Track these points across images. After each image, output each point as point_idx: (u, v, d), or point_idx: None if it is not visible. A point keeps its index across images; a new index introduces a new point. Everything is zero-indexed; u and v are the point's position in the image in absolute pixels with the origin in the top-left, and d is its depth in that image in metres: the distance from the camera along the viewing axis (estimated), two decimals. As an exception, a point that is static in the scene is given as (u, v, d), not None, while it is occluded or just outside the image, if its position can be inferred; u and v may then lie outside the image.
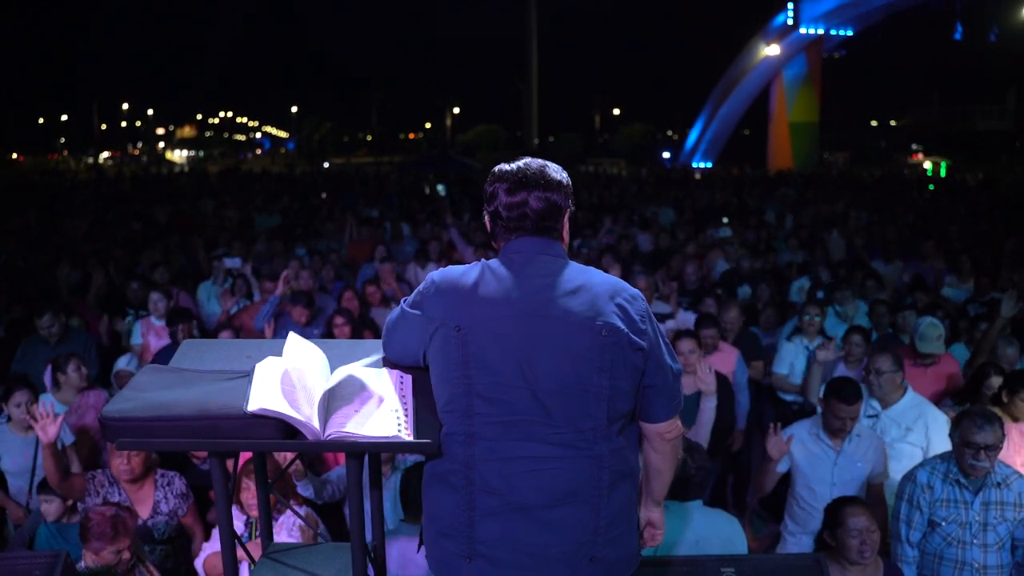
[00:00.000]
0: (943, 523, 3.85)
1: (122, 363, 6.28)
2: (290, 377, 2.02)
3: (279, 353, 2.18)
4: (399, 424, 2.01)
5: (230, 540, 2.09)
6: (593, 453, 2.15)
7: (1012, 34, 40.52)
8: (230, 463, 3.21)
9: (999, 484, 3.85)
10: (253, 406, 1.90)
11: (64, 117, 78.05)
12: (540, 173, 2.27)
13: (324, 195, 20.72)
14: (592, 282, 2.22)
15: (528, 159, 2.32)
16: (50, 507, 4.59)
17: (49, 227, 13.55)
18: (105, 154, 73.92)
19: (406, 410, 2.09)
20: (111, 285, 8.76)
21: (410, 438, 2.00)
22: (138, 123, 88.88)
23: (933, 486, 3.89)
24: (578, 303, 2.17)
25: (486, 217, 2.35)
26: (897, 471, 4.49)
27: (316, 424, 1.95)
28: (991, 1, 42.00)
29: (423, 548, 2.26)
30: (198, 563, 4.01)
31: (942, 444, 4.59)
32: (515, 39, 55.25)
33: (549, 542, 2.12)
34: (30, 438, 5.13)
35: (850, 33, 44.45)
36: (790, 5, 41.18)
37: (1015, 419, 4.72)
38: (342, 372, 2.16)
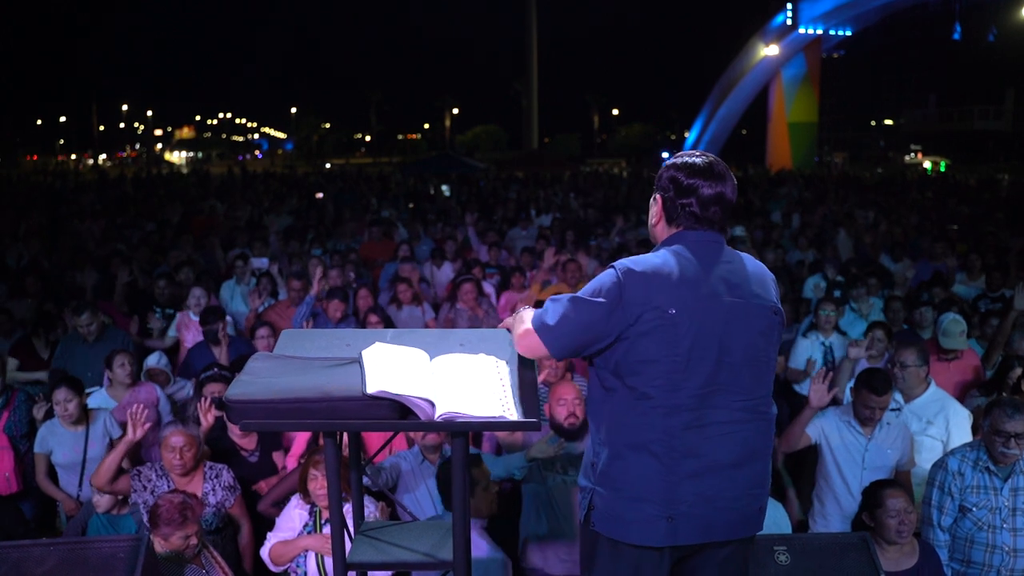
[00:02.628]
0: (973, 508, 4.01)
1: (152, 361, 6.41)
2: (399, 362, 2.18)
3: (372, 342, 2.34)
4: (503, 405, 2.16)
5: (339, 518, 2.24)
6: (768, 416, 2.51)
7: (1010, 35, 40.76)
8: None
9: (1027, 471, 4.01)
10: (372, 388, 2.06)
11: (63, 119, 78.05)
12: (727, 171, 2.55)
13: (320, 195, 20.63)
14: (758, 268, 2.58)
15: (701, 154, 2.56)
16: (102, 499, 4.70)
17: (61, 228, 13.66)
18: (103, 156, 73.88)
19: (507, 393, 2.24)
20: (135, 284, 8.90)
21: (515, 417, 2.15)
22: (136, 124, 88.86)
23: (963, 473, 4.04)
24: (757, 287, 2.51)
25: (664, 205, 2.56)
26: (918, 463, 4.66)
27: (428, 406, 2.10)
28: (990, 2, 42.24)
29: (596, 513, 2.45)
30: (264, 552, 4.11)
31: (962, 438, 4.75)
32: (514, 40, 55.58)
33: (736, 495, 2.44)
34: (79, 432, 5.28)
35: (849, 33, 44.72)
36: (789, 5, 41.39)
37: (1035, 409, 4.87)
38: (444, 358, 2.31)
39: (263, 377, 2.18)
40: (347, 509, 4.03)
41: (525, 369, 2.41)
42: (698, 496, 2.38)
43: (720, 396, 2.39)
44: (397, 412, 2.08)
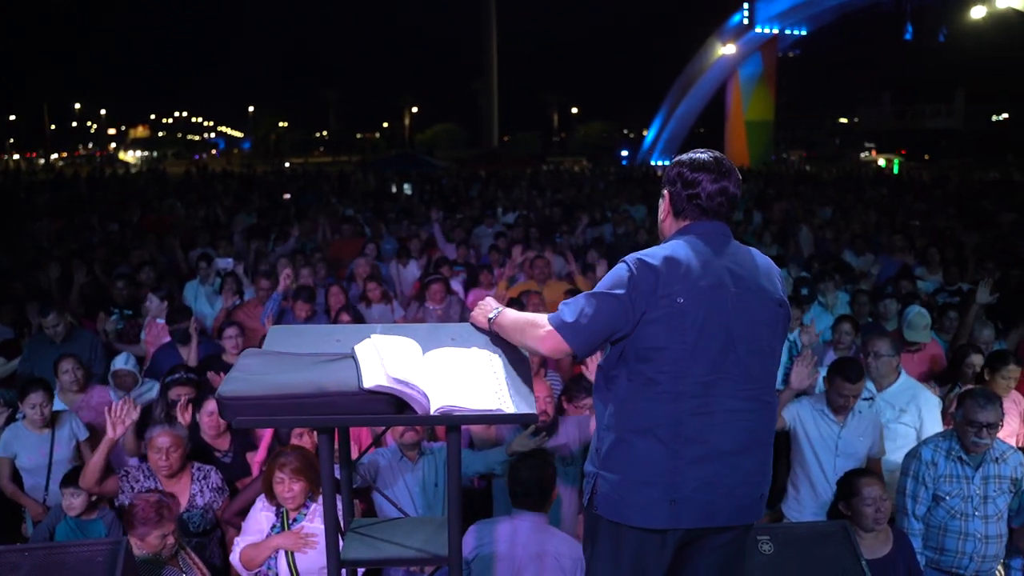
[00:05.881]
0: (947, 497, 4.09)
1: (119, 362, 6.27)
2: (394, 356, 2.15)
3: (362, 337, 2.32)
4: (499, 398, 2.15)
5: (333, 515, 2.21)
6: (771, 406, 2.57)
7: (960, 35, 41.63)
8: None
9: (997, 459, 4.11)
10: (368, 383, 2.03)
11: (12, 117, 76.39)
12: (732, 166, 2.63)
13: (287, 196, 20.38)
14: (765, 261, 2.64)
15: (707, 151, 2.63)
16: (75, 501, 4.55)
17: (17, 228, 13.38)
18: (54, 155, 72.49)
19: (501, 386, 2.23)
20: (95, 284, 8.72)
21: (512, 410, 2.14)
22: (89, 123, 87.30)
23: (937, 462, 4.13)
24: (765, 280, 2.57)
25: (671, 199, 2.63)
26: (892, 451, 4.74)
27: (424, 400, 2.09)
28: (940, 2, 43.11)
29: (599, 497, 2.48)
30: (233, 558, 4.02)
31: (934, 425, 4.86)
32: (473, 38, 55.58)
33: (738, 482, 2.47)
34: (45, 435, 5.17)
35: (804, 33, 45.32)
36: (745, 5, 41.88)
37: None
38: (437, 352, 2.30)
39: (255, 373, 2.15)
40: (314, 508, 4.01)
41: (518, 363, 2.41)
42: (701, 481, 2.42)
43: (725, 384, 2.44)
44: (393, 406, 2.07)
